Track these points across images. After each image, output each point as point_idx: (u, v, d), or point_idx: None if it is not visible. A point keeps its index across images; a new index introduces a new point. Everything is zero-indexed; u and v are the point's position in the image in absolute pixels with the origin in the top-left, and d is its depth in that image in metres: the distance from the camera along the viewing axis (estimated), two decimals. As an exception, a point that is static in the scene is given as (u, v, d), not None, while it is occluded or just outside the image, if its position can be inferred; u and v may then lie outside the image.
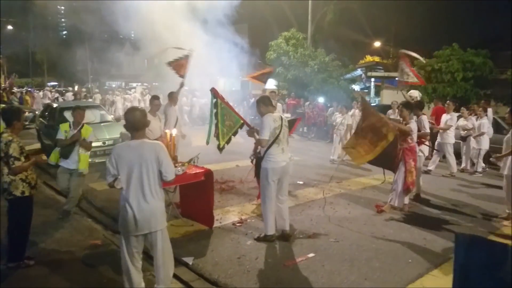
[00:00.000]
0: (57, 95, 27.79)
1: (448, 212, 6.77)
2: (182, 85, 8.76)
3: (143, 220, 3.46)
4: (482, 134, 9.68)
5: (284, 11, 25.63)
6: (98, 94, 26.12)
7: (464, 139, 10.33)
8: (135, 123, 3.54)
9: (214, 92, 5.67)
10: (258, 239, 5.37)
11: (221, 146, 5.72)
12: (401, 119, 6.80)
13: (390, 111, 12.12)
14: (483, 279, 2.05)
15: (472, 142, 9.95)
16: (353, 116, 11.88)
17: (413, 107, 7.01)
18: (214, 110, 5.65)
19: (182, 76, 8.88)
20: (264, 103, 5.26)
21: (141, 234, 3.53)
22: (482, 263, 2.06)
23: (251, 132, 5.46)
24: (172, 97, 8.56)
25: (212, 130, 5.84)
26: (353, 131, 10.93)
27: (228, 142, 5.69)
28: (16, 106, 5.46)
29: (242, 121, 5.54)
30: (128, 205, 3.44)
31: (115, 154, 3.47)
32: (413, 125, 6.57)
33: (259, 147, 5.45)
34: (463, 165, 10.31)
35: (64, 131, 6.11)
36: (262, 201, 5.38)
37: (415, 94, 8.95)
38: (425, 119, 7.23)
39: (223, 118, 5.58)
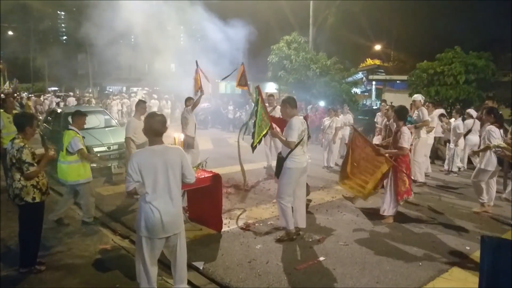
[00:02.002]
0: (57, 100, 27.68)
1: (453, 215, 6.77)
2: (202, 93, 9.03)
3: (170, 223, 3.55)
4: (460, 135, 9.98)
5: (285, 14, 25.67)
6: (93, 100, 26.06)
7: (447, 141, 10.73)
8: (156, 128, 3.56)
9: (259, 90, 5.67)
10: (281, 240, 5.45)
11: (254, 145, 5.67)
12: (395, 125, 6.53)
13: (378, 114, 12.08)
14: (511, 283, 2.04)
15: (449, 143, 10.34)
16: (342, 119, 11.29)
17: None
18: (255, 108, 5.65)
19: (198, 90, 9.12)
20: (291, 105, 5.43)
21: (165, 237, 3.59)
22: (510, 266, 2.04)
23: (275, 133, 5.56)
24: (190, 102, 8.90)
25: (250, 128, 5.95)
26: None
27: (259, 142, 5.67)
28: (29, 112, 5.45)
29: (270, 124, 5.50)
30: (155, 209, 3.47)
31: (137, 160, 3.44)
32: (406, 136, 6.09)
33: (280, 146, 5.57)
34: (446, 167, 10.60)
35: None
36: (280, 199, 5.44)
37: (418, 98, 8.95)
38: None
39: (261, 117, 5.57)
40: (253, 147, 5.73)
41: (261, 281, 4.37)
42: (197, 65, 9.06)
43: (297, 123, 5.28)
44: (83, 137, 6.14)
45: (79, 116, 6.07)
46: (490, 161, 6.57)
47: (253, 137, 5.68)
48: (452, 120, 10.37)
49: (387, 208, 6.32)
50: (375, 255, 5.06)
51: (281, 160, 5.47)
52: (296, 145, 5.27)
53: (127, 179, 3.46)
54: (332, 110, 11.21)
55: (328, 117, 11.08)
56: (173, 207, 3.57)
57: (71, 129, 5.92)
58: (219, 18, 15.46)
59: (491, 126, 6.59)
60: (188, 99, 9.13)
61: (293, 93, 19.80)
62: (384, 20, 26.48)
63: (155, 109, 22.74)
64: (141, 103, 7.72)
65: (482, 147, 6.73)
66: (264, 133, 5.57)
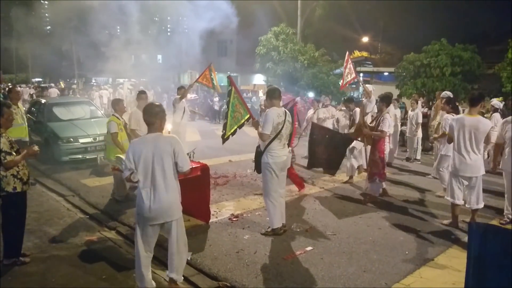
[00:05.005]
0: (32, 91, 27.17)
1: (437, 204, 6.84)
2: (191, 85, 9.66)
3: (160, 210, 3.60)
4: (419, 125, 10.45)
5: (273, 6, 25.55)
6: (76, 90, 25.74)
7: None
8: (146, 118, 3.70)
9: (230, 80, 5.54)
10: (266, 234, 5.34)
11: (225, 137, 5.51)
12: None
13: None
14: (498, 268, 2.05)
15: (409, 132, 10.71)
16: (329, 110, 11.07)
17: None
18: (227, 99, 5.50)
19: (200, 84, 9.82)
20: (269, 96, 5.26)
21: (157, 224, 3.67)
22: (497, 252, 2.06)
23: (256, 123, 5.32)
24: (180, 91, 9.27)
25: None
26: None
27: (233, 134, 5.52)
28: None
29: (249, 115, 5.35)
30: (145, 196, 3.58)
31: (132, 148, 3.62)
32: (387, 122, 6.73)
33: (258, 141, 5.41)
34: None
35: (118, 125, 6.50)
36: (266, 195, 5.33)
37: (370, 88, 9.18)
38: (357, 112, 8.32)
39: (233, 109, 5.42)
40: (224, 139, 5.55)
41: (248, 271, 4.37)
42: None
43: (272, 115, 5.00)
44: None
45: (118, 102, 6.88)
46: (448, 147, 6.90)
47: (224, 128, 5.53)
48: (416, 110, 10.54)
49: (365, 187, 7.18)
50: (362, 245, 5.10)
51: (259, 154, 5.30)
52: (273, 139, 5.07)
53: (123, 167, 3.67)
54: (316, 102, 11.24)
55: (311, 109, 11.09)
56: (163, 194, 3.60)
57: (113, 115, 6.72)
58: (206, 10, 15.30)
59: (447, 114, 6.96)
60: (179, 88, 9.52)
61: (281, 85, 19.76)
62: (371, 13, 26.52)
63: (105, 99, 22.97)
64: (141, 95, 7.63)
65: (440, 134, 7.25)
66: (240, 123, 5.42)
